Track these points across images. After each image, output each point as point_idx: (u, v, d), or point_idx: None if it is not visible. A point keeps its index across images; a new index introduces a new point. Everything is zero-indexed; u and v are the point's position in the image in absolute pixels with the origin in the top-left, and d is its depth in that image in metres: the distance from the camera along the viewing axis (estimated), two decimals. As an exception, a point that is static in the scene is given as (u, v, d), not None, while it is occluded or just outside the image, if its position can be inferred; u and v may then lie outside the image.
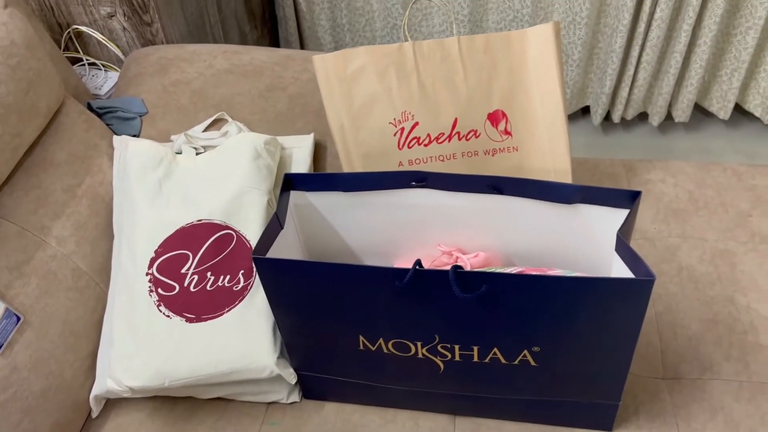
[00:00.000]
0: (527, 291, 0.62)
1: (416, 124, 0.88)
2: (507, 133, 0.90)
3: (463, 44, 0.88)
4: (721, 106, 1.72)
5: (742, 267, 0.95)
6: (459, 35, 0.87)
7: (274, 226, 0.71)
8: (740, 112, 1.81)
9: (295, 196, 0.77)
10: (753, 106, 1.72)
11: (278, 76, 1.04)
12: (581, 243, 0.73)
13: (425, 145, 0.88)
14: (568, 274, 0.73)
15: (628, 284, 0.60)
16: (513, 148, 0.90)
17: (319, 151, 0.98)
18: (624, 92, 1.69)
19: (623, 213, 0.69)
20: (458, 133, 0.88)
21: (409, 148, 0.88)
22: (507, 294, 0.62)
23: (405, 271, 0.62)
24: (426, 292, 0.64)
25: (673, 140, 1.80)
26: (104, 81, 1.20)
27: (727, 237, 0.99)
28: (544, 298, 0.62)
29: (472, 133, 0.89)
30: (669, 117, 1.78)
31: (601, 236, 0.71)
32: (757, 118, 1.77)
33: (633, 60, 1.62)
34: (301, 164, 0.95)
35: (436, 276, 0.62)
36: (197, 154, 0.93)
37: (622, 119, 1.79)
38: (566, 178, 0.90)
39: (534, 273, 0.73)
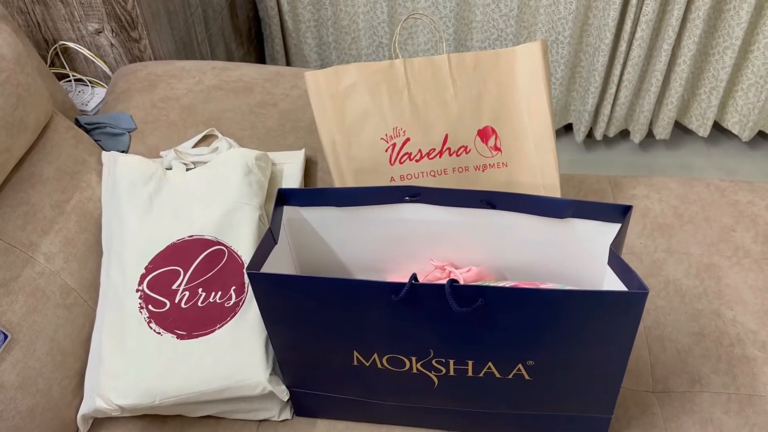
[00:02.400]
0: (522, 304, 0.62)
1: (408, 139, 0.88)
2: (497, 149, 0.91)
3: (453, 62, 0.89)
4: (700, 123, 1.76)
5: (727, 281, 0.96)
6: (447, 53, 0.89)
7: (268, 242, 0.71)
8: (719, 129, 1.85)
9: (288, 211, 0.77)
10: (731, 123, 1.76)
11: (268, 93, 1.04)
12: (573, 257, 0.74)
13: (416, 161, 0.89)
14: (561, 288, 0.74)
15: (622, 297, 0.60)
16: (503, 163, 0.91)
17: (310, 167, 0.98)
18: (606, 110, 1.72)
19: (615, 227, 0.69)
20: (449, 148, 0.89)
21: (400, 163, 0.89)
22: (502, 307, 0.63)
23: (401, 285, 0.62)
24: (421, 306, 0.64)
25: (654, 157, 1.83)
26: (91, 97, 1.19)
27: (712, 251, 1.01)
28: (539, 311, 0.63)
29: (463, 148, 0.90)
30: (650, 134, 1.82)
31: (593, 250, 0.72)
32: (736, 136, 1.81)
33: (615, 78, 1.65)
34: (292, 179, 0.95)
35: (432, 290, 0.62)
36: (187, 170, 0.93)
37: (605, 136, 1.82)
38: (555, 194, 0.91)
39: (527, 287, 0.74)
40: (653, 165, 1.81)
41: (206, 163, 0.95)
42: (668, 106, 1.70)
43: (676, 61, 1.62)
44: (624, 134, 1.84)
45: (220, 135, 1.00)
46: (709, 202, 1.09)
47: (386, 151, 0.89)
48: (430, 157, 0.89)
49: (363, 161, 0.89)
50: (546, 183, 0.91)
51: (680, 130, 1.86)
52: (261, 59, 1.76)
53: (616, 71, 1.64)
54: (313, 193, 0.75)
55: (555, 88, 1.70)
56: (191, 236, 0.83)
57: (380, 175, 0.89)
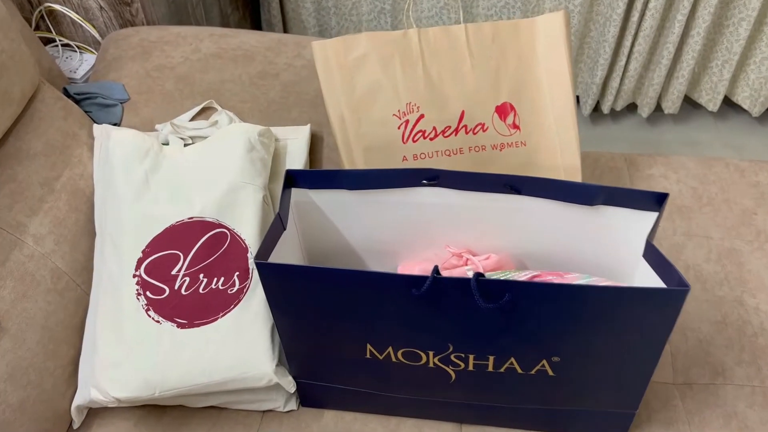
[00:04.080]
0: (553, 300, 0.58)
1: (422, 116, 0.83)
2: (515, 126, 0.86)
3: (470, 32, 0.83)
4: (710, 98, 1.71)
5: (749, 266, 0.93)
6: (464, 23, 0.83)
7: (276, 228, 0.66)
8: (728, 104, 1.80)
9: (296, 194, 0.72)
10: (741, 98, 1.71)
11: (270, 62, 0.98)
12: (600, 246, 0.70)
13: (431, 139, 0.83)
14: (587, 279, 0.70)
15: (662, 294, 0.56)
16: (521, 142, 0.86)
17: (315, 143, 0.93)
18: (615, 83, 1.66)
19: (649, 216, 0.65)
20: (465, 126, 0.84)
21: (413, 142, 0.83)
22: (530, 303, 0.59)
23: (423, 278, 0.58)
24: (443, 301, 0.60)
25: (661, 132, 1.78)
26: (80, 63, 1.12)
27: (733, 235, 0.97)
28: (570, 306, 0.59)
29: (480, 126, 0.84)
30: (658, 108, 1.76)
31: (623, 239, 0.68)
32: (745, 111, 1.77)
33: (625, 50, 1.59)
34: (296, 157, 0.90)
35: (456, 284, 0.58)
36: (185, 145, 0.87)
37: (612, 110, 1.76)
38: (576, 175, 0.87)
39: (554, 278, 0.70)
40: (660, 140, 1.76)
41: (205, 138, 0.89)
42: (679, 80, 1.65)
43: (689, 32, 1.56)
44: (631, 108, 1.79)
45: (219, 108, 0.94)
46: (729, 183, 1.05)
47: (399, 128, 0.83)
48: (446, 135, 0.84)
49: (373, 138, 0.83)
50: (566, 164, 0.86)
51: (688, 104, 1.81)
52: (257, 24, 1.68)
53: (627, 42, 1.58)
54: (323, 176, 0.70)
55: (563, 59, 1.64)
56: (191, 218, 0.77)
57: (392, 154, 0.84)
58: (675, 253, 0.95)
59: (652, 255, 0.61)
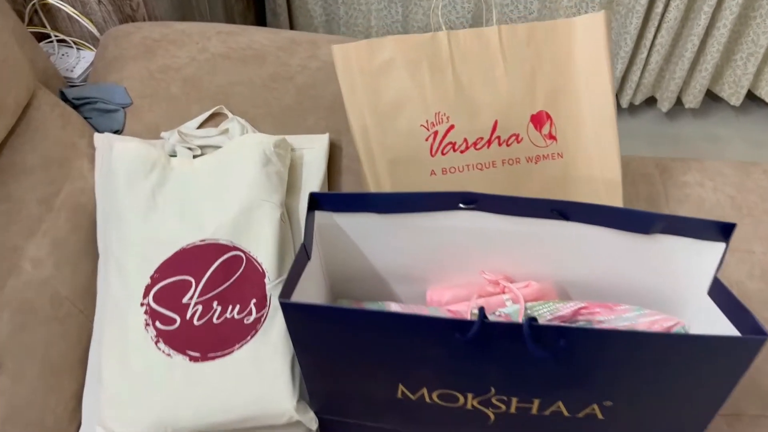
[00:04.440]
0: (611, 346, 0.52)
1: (451, 127, 0.77)
2: (551, 137, 0.79)
3: (504, 34, 0.77)
4: (733, 91, 1.65)
5: (795, 284, 0.87)
6: (498, 24, 0.76)
7: (301, 260, 0.60)
8: (750, 98, 1.73)
9: (319, 216, 0.66)
10: (765, 92, 1.65)
11: (283, 64, 0.91)
12: (655, 276, 0.64)
13: (461, 152, 0.77)
14: (638, 311, 0.64)
15: (736, 343, 0.51)
16: (558, 154, 0.80)
17: (334, 153, 0.86)
18: (635, 76, 1.60)
19: (713, 247, 0.59)
20: (498, 137, 0.78)
21: (443, 154, 0.77)
22: (586, 349, 0.53)
23: (468, 323, 0.52)
24: (490, 346, 0.54)
25: (681, 127, 1.72)
26: (77, 61, 1.05)
27: (776, 250, 0.91)
28: (630, 352, 0.53)
29: (514, 137, 0.78)
30: (678, 102, 1.70)
31: (682, 271, 0.62)
32: (767, 105, 1.70)
33: (647, 42, 1.53)
34: (313, 168, 0.83)
35: (506, 329, 0.52)
36: (194, 156, 0.80)
37: (630, 104, 1.70)
38: (616, 189, 0.81)
39: (603, 311, 0.64)
40: (679, 134, 1.70)
41: (215, 147, 0.83)
42: (702, 73, 1.58)
43: (715, 24, 1.49)
44: (650, 101, 1.73)
45: (229, 114, 0.87)
46: (769, 191, 0.99)
47: (427, 139, 0.77)
48: (477, 147, 0.77)
49: (399, 151, 0.77)
50: (606, 177, 0.80)
51: (708, 97, 1.74)
52: (260, 13, 1.60)
53: (649, 34, 1.51)
54: (351, 199, 0.64)
55: (581, 51, 1.57)
56: (203, 240, 0.71)
57: (419, 168, 0.77)
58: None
59: (721, 294, 0.55)
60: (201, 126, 0.87)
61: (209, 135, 0.85)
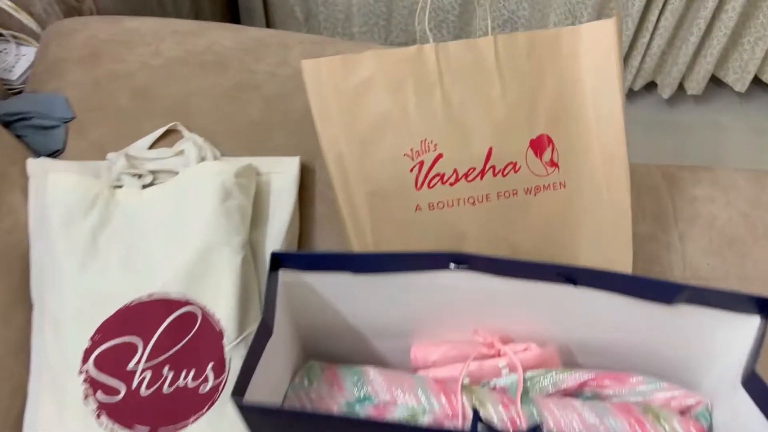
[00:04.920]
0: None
1: (440, 156, 0.66)
2: (553, 164, 0.69)
3: (501, 46, 0.66)
4: (738, 77, 1.55)
5: (816, 320, 0.79)
6: (493, 33, 0.65)
7: (260, 339, 0.50)
8: (755, 83, 1.63)
9: (284, 275, 0.56)
10: (772, 78, 1.55)
11: (249, 70, 0.80)
12: (676, 348, 0.55)
13: (451, 184, 0.67)
14: (653, 385, 0.56)
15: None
16: (560, 184, 0.70)
17: (306, 177, 0.76)
18: (635, 61, 1.49)
19: (746, 321, 0.50)
20: (493, 167, 0.68)
21: (429, 187, 0.67)
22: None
23: (460, 433, 0.43)
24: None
25: (682, 113, 1.62)
26: (17, 59, 0.93)
27: (797, 278, 0.83)
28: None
29: (511, 166, 0.68)
30: (679, 88, 1.60)
31: (707, 344, 0.53)
32: (773, 91, 1.61)
33: (650, 25, 1.42)
34: (282, 196, 0.73)
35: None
36: (144, 186, 0.70)
37: (630, 90, 1.59)
38: (625, 219, 0.71)
39: (613, 383, 0.55)
40: (680, 121, 1.61)
41: (169, 173, 0.72)
42: (707, 58, 1.48)
43: (723, 7, 1.39)
44: (649, 87, 1.62)
45: (185, 131, 0.76)
46: (787, 208, 0.90)
47: (411, 170, 0.67)
48: (469, 179, 0.67)
49: (380, 182, 0.67)
50: (614, 207, 0.71)
51: (711, 82, 1.64)
52: (234, 5, 1.47)
53: (652, 17, 1.40)
54: (322, 259, 0.54)
55: (579, 34, 1.45)
56: (151, 295, 0.61)
57: (403, 202, 0.67)
58: (729, 301, 0.81)
59: (757, 388, 0.47)
60: (153, 145, 0.76)
61: (163, 156, 0.74)
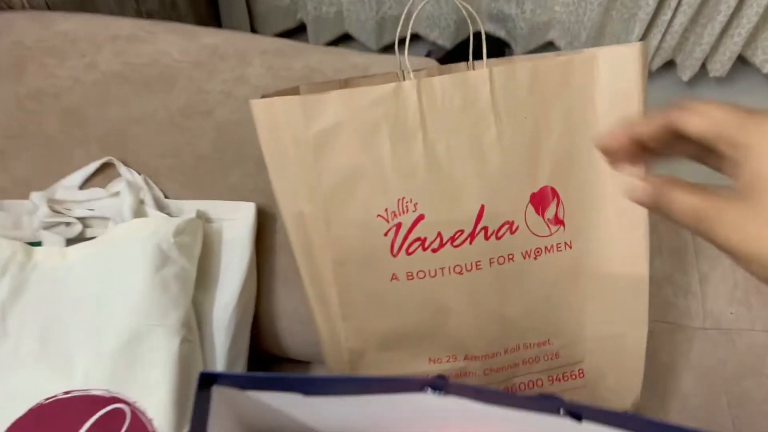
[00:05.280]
0: None
1: (420, 217, 0.55)
2: (558, 221, 0.58)
3: (497, 80, 0.53)
4: (767, 57, 1.40)
5: None
6: (487, 64, 0.53)
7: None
8: (784, 62, 1.48)
9: (217, 391, 0.45)
10: (805, 59, 1.41)
11: (199, 90, 0.67)
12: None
13: (434, 251, 0.56)
14: None
15: None
16: (565, 244, 0.58)
17: (265, 224, 0.64)
18: (655, 40, 1.35)
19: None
20: (485, 228, 0.56)
21: (408, 254, 0.56)
22: None
23: None
24: None
25: (702, 95, 1.48)
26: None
27: (832, 331, 0.72)
28: None
29: (507, 226, 0.56)
30: (701, 68, 1.45)
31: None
32: (805, 72, 1.46)
33: (672, 2, 1.26)
34: (236, 249, 0.62)
35: None
36: (69, 241, 0.59)
37: (646, 70, 1.45)
38: (641, 286, 0.60)
39: None
40: (699, 105, 1.47)
41: (103, 220, 0.61)
42: (734, 39, 1.33)
43: (757, -18, 1.23)
44: (668, 66, 1.48)
45: (123, 168, 0.64)
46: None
47: (386, 234, 0.55)
48: (456, 243, 0.56)
49: (349, 249, 0.56)
50: (629, 271, 0.59)
51: (736, 62, 1.50)
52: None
53: (676, -7, 1.25)
54: (266, 380, 0.43)
55: (593, 9, 1.30)
56: (68, 393, 0.51)
57: (376, 271, 0.56)
58: (756, 359, 0.71)
59: None
60: (86, 183, 0.64)
61: (95, 197, 0.62)
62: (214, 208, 0.62)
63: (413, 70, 0.54)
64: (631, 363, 0.63)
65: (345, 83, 0.60)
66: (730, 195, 0.31)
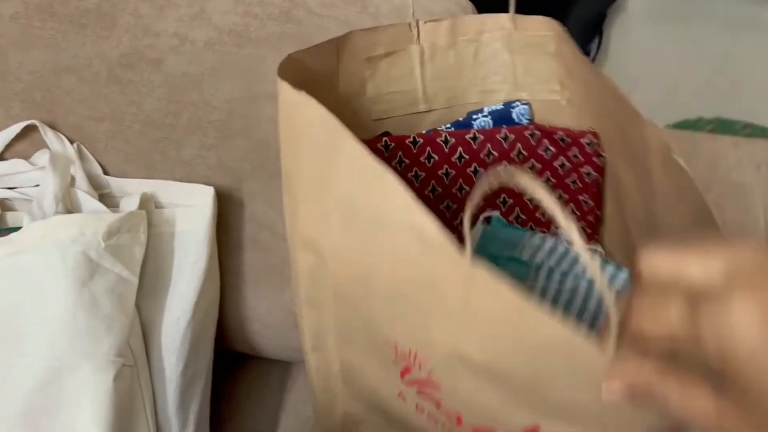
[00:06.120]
0: None
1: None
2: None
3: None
4: None
5: None
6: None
7: None
8: None
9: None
10: None
11: (147, 30, 0.52)
12: None
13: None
14: None
15: None
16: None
17: (230, 212, 0.51)
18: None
19: None
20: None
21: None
22: None
23: None
24: None
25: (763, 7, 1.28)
26: None
27: None
28: None
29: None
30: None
31: None
32: None
33: None
34: (191, 245, 0.49)
35: None
36: (-22, 237, 0.47)
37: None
38: None
39: None
40: (759, 17, 1.27)
41: (26, 201, 0.49)
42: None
43: None
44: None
45: (50, 134, 0.51)
46: None
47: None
48: None
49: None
50: None
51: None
52: None
53: None
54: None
55: None
56: (-30, 445, 0.41)
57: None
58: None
59: None
60: (5, 150, 0.51)
61: (18, 170, 0.50)
62: (165, 189, 0.49)
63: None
64: None
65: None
66: None
